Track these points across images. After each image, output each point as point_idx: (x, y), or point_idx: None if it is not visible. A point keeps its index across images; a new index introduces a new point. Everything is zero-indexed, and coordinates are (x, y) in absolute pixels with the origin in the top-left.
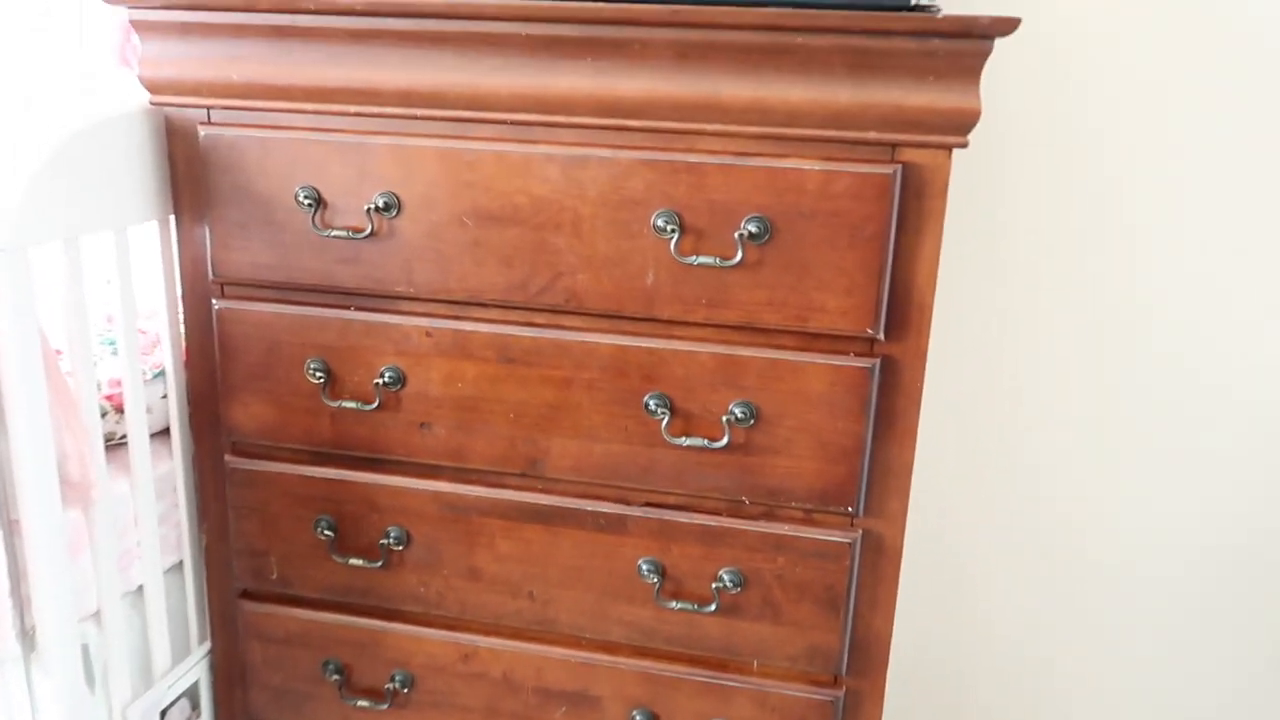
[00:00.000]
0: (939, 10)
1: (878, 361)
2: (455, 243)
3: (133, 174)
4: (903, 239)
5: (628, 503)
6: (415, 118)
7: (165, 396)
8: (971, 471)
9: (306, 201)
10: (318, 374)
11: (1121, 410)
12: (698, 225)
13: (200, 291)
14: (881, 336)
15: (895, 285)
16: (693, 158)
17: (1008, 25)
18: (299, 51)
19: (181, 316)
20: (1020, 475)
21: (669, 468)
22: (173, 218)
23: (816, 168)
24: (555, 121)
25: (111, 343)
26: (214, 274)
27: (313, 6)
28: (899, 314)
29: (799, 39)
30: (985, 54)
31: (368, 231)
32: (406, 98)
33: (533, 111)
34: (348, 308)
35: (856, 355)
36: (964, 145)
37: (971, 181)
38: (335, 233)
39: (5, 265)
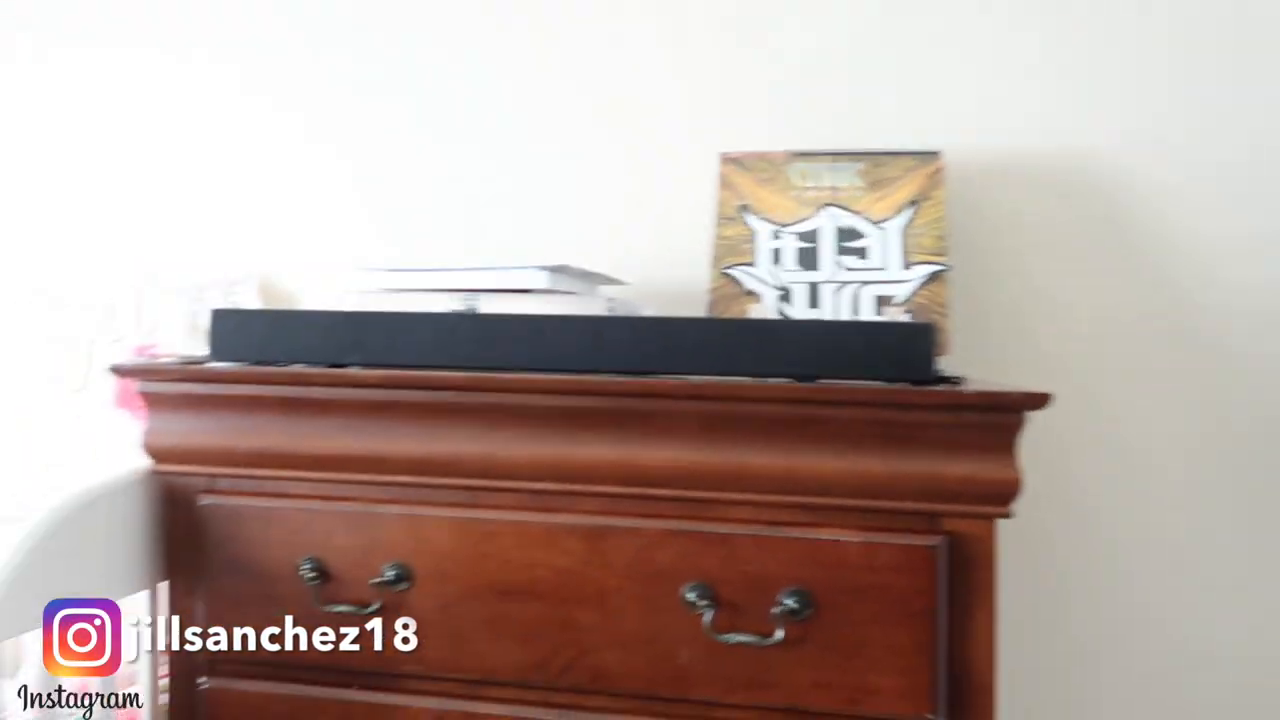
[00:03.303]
0: (963, 381)
1: None
2: (470, 618)
3: (123, 546)
4: (955, 613)
5: None
6: (428, 486)
7: None
8: None
9: (310, 575)
10: None
11: None
12: (733, 600)
13: (187, 668)
14: None
15: (952, 664)
16: (724, 528)
17: (1038, 400)
18: (310, 423)
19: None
20: None
21: None
22: (164, 585)
23: (857, 539)
24: (577, 490)
25: None
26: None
27: (325, 379)
28: (959, 696)
29: (826, 411)
30: (1017, 426)
31: (375, 607)
32: (420, 466)
33: (553, 480)
34: (349, 686)
35: None
36: (1007, 516)
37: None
38: (340, 608)
39: None
